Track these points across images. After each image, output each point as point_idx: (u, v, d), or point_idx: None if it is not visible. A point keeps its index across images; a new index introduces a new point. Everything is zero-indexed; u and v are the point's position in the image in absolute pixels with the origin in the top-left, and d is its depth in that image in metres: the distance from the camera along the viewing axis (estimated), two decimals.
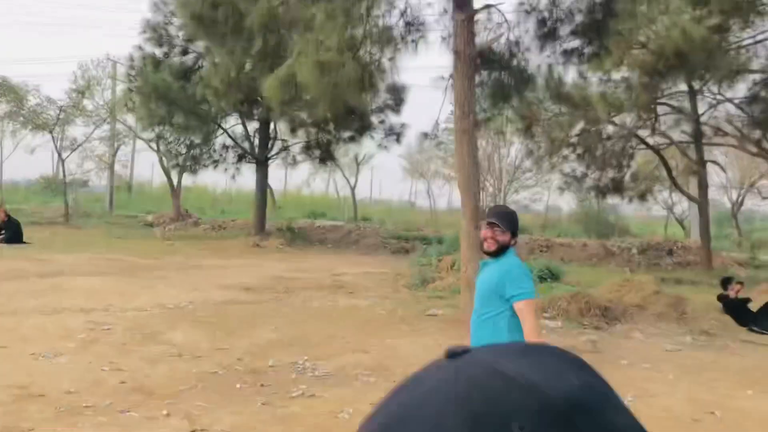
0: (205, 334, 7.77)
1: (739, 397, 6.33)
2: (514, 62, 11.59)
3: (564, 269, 14.92)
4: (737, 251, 26.11)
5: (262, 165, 20.73)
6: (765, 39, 16.08)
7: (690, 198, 20.18)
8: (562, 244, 23.30)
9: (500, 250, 3.70)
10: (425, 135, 16.08)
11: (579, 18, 11.38)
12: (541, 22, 11.40)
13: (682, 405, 5.93)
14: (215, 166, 21.83)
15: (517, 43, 11.48)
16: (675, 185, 20.44)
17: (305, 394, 5.85)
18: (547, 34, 11.37)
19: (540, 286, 13.25)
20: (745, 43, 16.25)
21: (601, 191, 20.13)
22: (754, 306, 10.47)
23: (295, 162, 23.02)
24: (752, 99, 18.08)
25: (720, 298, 10.62)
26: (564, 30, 11.38)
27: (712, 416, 5.69)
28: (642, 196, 25.66)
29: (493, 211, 3.87)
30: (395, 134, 21.82)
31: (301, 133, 22.06)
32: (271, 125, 21.45)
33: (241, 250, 18.48)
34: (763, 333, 9.69)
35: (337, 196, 46.95)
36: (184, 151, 21.68)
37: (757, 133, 19.91)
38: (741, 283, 10.78)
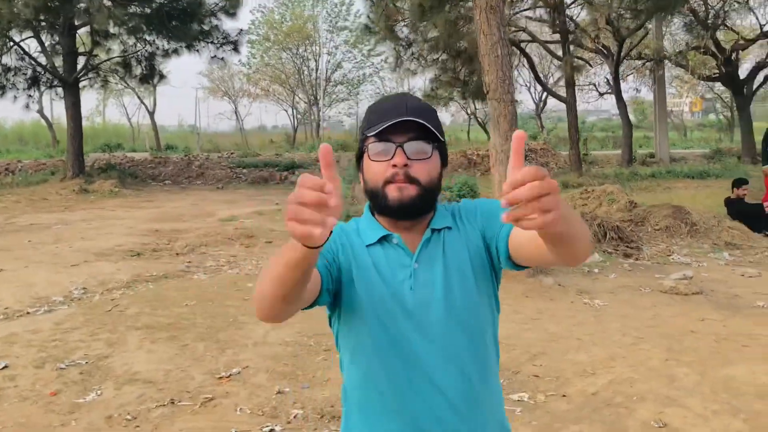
0: (176, 349, 4.76)
1: None
2: None
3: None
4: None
5: (71, 88, 16.19)
6: None
7: (557, 97, 19.32)
8: None
9: (430, 201, 1.42)
10: None
11: None
12: None
13: None
14: (2, 93, 16.84)
15: None
16: (540, 84, 19.46)
17: None
18: None
19: None
20: None
21: (474, 95, 18.54)
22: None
23: (107, 82, 18.58)
24: None
25: (728, 202, 9.39)
26: None
27: None
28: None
29: (403, 103, 1.37)
30: (232, 42, 18.33)
31: (114, 47, 17.79)
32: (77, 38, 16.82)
33: (66, 198, 14.39)
34: None
35: (129, 124, 41.40)
36: None
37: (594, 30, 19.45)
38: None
